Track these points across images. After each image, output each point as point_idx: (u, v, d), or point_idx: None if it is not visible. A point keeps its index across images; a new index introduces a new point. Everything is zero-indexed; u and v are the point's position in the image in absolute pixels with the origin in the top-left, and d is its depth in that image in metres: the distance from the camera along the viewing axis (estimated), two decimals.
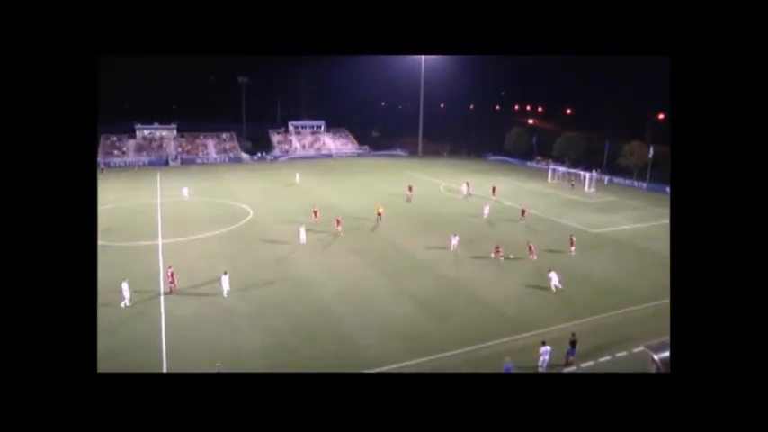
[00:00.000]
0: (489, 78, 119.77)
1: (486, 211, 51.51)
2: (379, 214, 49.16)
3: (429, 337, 25.95)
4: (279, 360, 23.61)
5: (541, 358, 22.30)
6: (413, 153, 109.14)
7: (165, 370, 22.73)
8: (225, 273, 30.71)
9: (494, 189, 62.08)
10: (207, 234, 45.04)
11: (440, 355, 23.88)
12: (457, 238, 40.23)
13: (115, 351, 23.92)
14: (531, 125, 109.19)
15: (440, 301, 30.36)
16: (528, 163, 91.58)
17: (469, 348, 24.56)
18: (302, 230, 42.15)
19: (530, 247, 37.66)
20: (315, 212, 49.22)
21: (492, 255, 37.39)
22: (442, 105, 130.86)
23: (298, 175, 74.32)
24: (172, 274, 31.64)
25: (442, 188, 66.24)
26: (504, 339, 25.51)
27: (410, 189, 61.71)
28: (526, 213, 49.63)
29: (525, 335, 25.84)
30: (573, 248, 38.60)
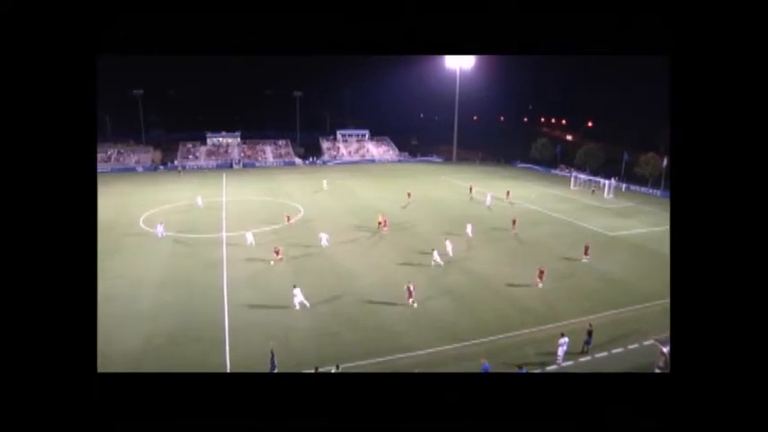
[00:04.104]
0: (518, 93, 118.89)
1: (489, 199, 56.52)
2: (380, 224, 45.38)
3: (457, 326, 26.04)
4: (323, 342, 24.28)
5: (560, 348, 22.17)
6: (447, 159, 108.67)
7: (227, 346, 23.74)
8: (294, 286, 28.64)
9: (508, 193, 61.44)
10: (263, 229, 45.61)
11: (467, 343, 24.08)
12: (470, 226, 42.80)
13: (184, 327, 25.75)
14: (555, 136, 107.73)
15: (468, 294, 30.36)
16: (552, 170, 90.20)
17: (493, 338, 24.66)
18: (323, 236, 39.97)
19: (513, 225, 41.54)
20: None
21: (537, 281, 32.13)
22: (474, 117, 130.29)
23: (325, 181, 72.20)
24: (278, 250, 35.60)
25: (475, 192, 65.43)
26: (526, 330, 25.47)
27: (409, 195, 60.86)
28: (516, 224, 45.97)
29: (543, 327, 25.77)
30: (587, 257, 36.80)
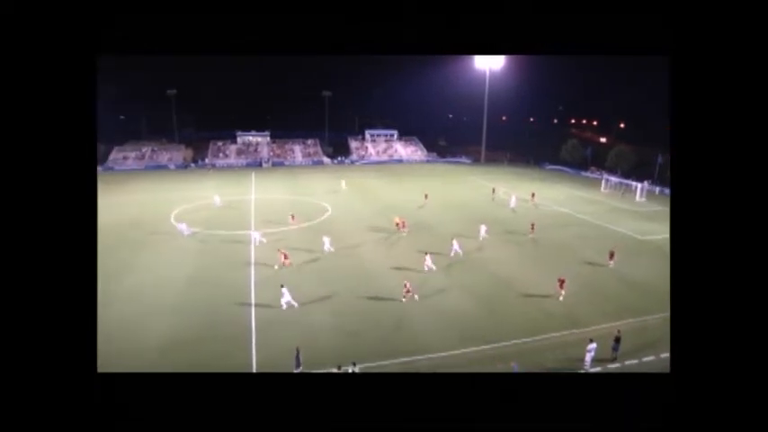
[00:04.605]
0: (548, 94, 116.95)
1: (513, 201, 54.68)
2: (398, 225, 44.95)
3: (481, 328, 25.64)
4: (343, 341, 24.24)
5: (588, 354, 21.62)
6: (476, 160, 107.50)
7: (253, 343, 23.93)
8: (282, 286, 28.78)
9: (533, 195, 60.41)
10: (290, 227, 46.06)
11: (492, 346, 23.69)
12: (484, 227, 41.77)
13: (210, 323, 26.04)
14: (585, 137, 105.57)
15: (491, 295, 29.90)
16: (582, 173, 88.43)
17: (517, 341, 24.18)
18: (326, 240, 38.67)
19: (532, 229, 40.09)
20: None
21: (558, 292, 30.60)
22: (503, 118, 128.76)
23: (343, 182, 71.86)
24: (285, 256, 34.30)
25: (501, 193, 64.37)
26: (556, 334, 24.91)
27: (426, 196, 60.23)
28: (535, 228, 44.23)
29: (567, 332, 25.13)
30: (611, 261, 35.65)
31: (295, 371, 20.77)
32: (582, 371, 21.59)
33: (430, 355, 22.77)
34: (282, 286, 28.30)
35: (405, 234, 43.82)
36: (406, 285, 29.10)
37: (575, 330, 25.36)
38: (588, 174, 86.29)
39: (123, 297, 29.51)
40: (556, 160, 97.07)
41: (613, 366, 22.10)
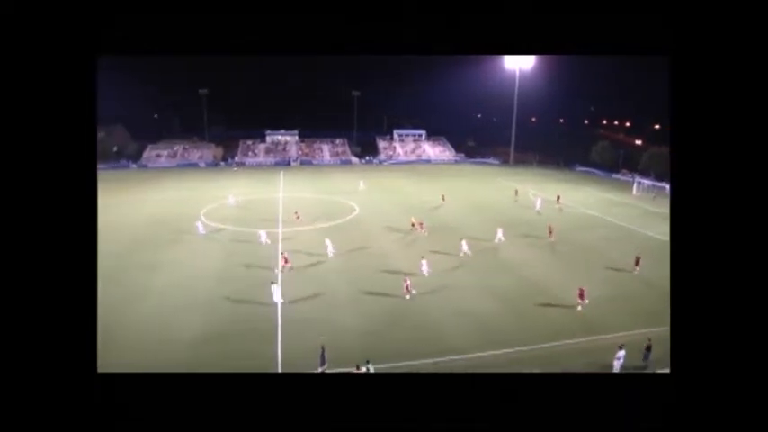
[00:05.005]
0: (579, 94, 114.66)
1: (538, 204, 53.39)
2: (413, 225, 44.77)
3: (507, 331, 25.22)
4: (369, 339, 24.21)
5: (617, 362, 21.11)
6: (504, 161, 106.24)
7: (279, 339, 24.18)
8: (272, 283, 29.26)
9: (558, 197, 59.01)
10: (317, 226, 46.35)
11: (517, 349, 23.38)
12: (501, 230, 40.82)
13: (238, 319, 26.41)
14: (617, 139, 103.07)
15: (514, 299, 29.45)
16: (613, 175, 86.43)
17: (544, 345, 23.78)
18: (328, 242, 37.67)
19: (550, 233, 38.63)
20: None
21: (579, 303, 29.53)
22: (533, 119, 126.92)
23: (362, 182, 71.73)
24: (285, 259, 33.73)
25: (530, 195, 63.23)
26: (582, 339, 24.38)
27: (443, 198, 59.61)
28: (554, 232, 42.86)
29: (593, 337, 24.53)
30: (637, 268, 34.39)
31: (319, 369, 20.89)
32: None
33: (452, 357, 22.64)
34: (273, 283, 28.76)
35: (425, 234, 43.48)
36: (406, 282, 29.45)
37: (602, 336, 24.72)
38: (619, 176, 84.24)
39: (156, 292, 30.24)
40: (586, 162, 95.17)
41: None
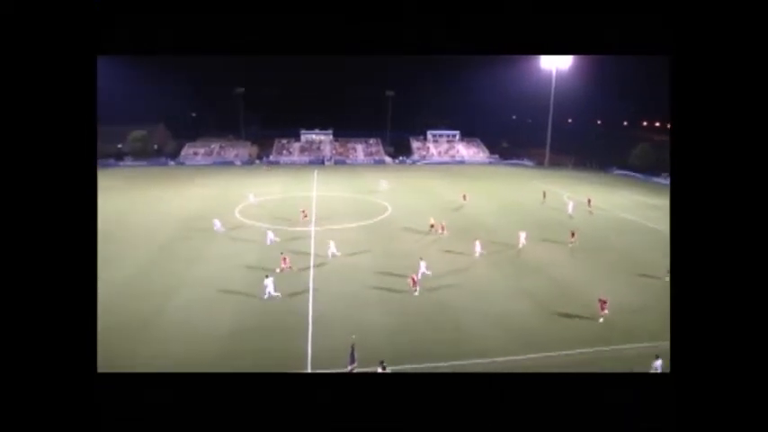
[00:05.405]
0: (618, 95, 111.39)
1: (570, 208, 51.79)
2: (432, 226, 44.12)
3: (539, 334, 24.98)
4: (400, 339, 24.12)
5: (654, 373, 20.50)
6: (539, 163, 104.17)
7: (309, 336, 24.36)
8: (267, 276, 29.43)
9: (589, 200, 57.24)
10: (350, 224, 46.57)
11: (549, 354, 22.91)
12: (524, 234, 39.69)
13: (269, 315, 26.63)
14: (658, 141, 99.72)
15: (552, 301, 28.86)
16: (654, 178, 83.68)
17: (582, 350, 23.30)
18: (332, 244, 36.96)
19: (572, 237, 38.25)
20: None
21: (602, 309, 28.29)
22: (569, 120, 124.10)
23: (384, 182, 71.23)
24: (284, 259, 33.17)
25: (566, 197, 61.55)
26: (620, 347, 23.69)
27: (464, 197, 59.05)
28: (576, 236, 41.07)
29: (628, 346, 23.73)
30: (669, 276, 32.80)
31: (348, 367, 20.87)
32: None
33: (478, 360, 22.38)
34: (267, 276, 29.01)
35: (445, 235, 42.84)
36: (412, 279, 29.63)
37: (633, 345, 23.85)
38: (660, 180, 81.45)
39: (191, 283, 31.13)
40: (624, 165, 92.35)
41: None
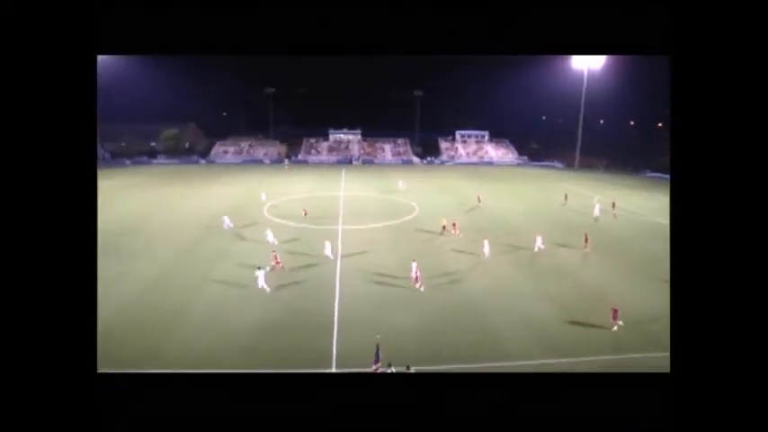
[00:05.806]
0: (653, 95, 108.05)
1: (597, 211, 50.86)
2: (444, 227, 43.36)
3: (566, 339, 24.33)
4: (426, 340, 23.84)
5: None
6: (569, 165, 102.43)
7: (335, 336, 24.14)
8: (259, 268, 29.69)
9: (613, 204, 56.01)
10: (376, 224, 46.59)
11: (569, 360, 22.24)
12: (540, 238, 38.73)
13: (296, 312, 26.71)
14: None
15: (578, 307, 28.12)
16: None
17: (606, 357, 22.53)
18: (328, 245, 36.21)
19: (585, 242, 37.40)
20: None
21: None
22: (601, 121, 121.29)
23: (401, 182, 70.93)
24: (275, 257, 32.91)
25: (595, 200, 59.18)
26: (636, 355, 22.83)
27: (479, 199, 58.70)
28: (589, 241, 39.43)
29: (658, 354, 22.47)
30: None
31: (372, 367, 20.68)
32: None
33: (507, 363, 21.94)
34: (259, 268, 29.20)
35: (459, 236, 42.23)
36: (416, 273, 29.65)
37: (655, 354, 22.62)
38: None
39: (218, 279, 31.37)
40: (658, 167, 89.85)
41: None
